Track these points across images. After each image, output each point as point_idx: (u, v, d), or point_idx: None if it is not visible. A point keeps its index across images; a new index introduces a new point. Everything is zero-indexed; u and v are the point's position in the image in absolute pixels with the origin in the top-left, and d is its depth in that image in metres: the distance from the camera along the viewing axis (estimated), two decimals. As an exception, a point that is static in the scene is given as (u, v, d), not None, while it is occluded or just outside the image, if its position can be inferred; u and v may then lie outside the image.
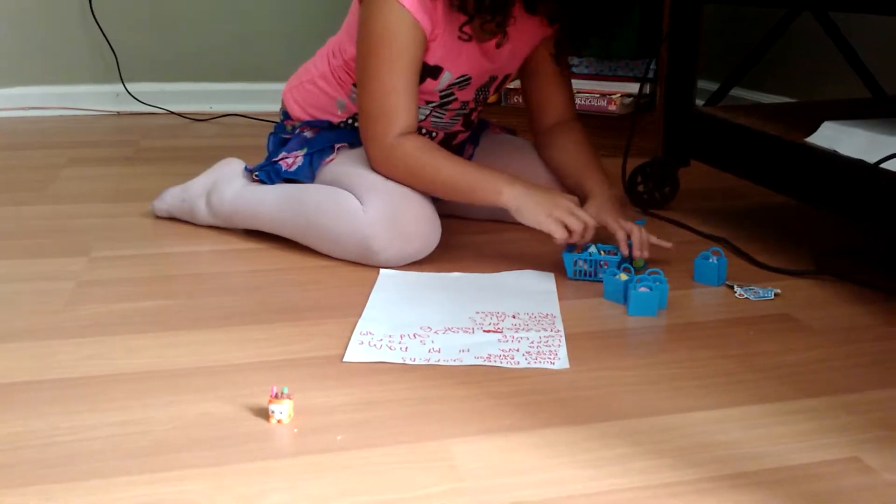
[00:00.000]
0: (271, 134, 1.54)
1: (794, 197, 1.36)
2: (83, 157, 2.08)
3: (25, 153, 2.13)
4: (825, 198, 1.28)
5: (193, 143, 2.27)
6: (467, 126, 1.53)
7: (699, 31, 1.57)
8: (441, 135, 1.50)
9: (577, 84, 2.16)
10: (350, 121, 1.48)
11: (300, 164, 1.43)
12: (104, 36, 2.58)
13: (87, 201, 1.70)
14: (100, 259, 1.37)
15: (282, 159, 1.45)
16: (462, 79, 1.41)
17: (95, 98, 2.63)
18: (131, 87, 2.63)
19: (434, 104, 1.44)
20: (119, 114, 2.63)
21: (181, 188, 1.54)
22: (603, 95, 2.07)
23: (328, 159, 1.42)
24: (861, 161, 1.22)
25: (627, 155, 1.63)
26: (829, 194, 1.27)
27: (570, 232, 1.27)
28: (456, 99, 1.44)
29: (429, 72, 1.36)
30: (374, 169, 1.36)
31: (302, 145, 1.46)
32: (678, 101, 1.59)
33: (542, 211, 1.28)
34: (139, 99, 2.63)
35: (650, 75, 2.10)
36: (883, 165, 1.17)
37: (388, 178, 1.34)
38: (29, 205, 1.67)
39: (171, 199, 1.54)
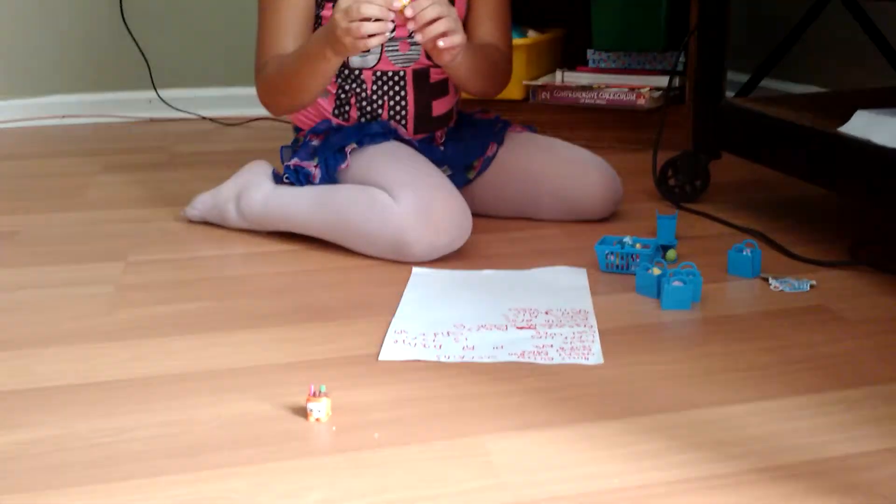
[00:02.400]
0: (283, 147, 1.58)
1: (828, 187, 1.35)
2: (118, 163, 2.11)
3: (61, 161, 2.16)
4: (859, 187, 1.27)
5: (226, 147, 2.30)
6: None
7: (727, 23, 1.56)
8: (409, 74, 1.49)
9: (605, 78, 2.16)
10: (340, 103, 1.50)
11: (320, 175, 1.45)
12: (136, 43, 2.62)
13: (123, 207, 1.73)
14: (137, 263, 1.40)
15: (295, 165, 1.47)
16: None
17: (128, 105, 2.66)
18: (163, 93, 2.67)
19: None
20: (152, 120, 2.66)
21: (211, 194, 1.56)
22: (632, 89, 2.06)
23: (343, 166, 1.44)
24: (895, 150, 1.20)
25: (658, 148, 1.62)
26: (863, 183, 1.26)
27: (378, 35, 1.23)
28: (394, 24, 1.36)
29: None
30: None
31: (312, 155, 1.48)
32: (708, 93, 1.58)
33: (338, 32, 1.25)
34: (172, 105, 2.66)
35: (679, 68, 2.08)
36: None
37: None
38: (66, 211, 1.70)
39: (202, 205, 1.56)
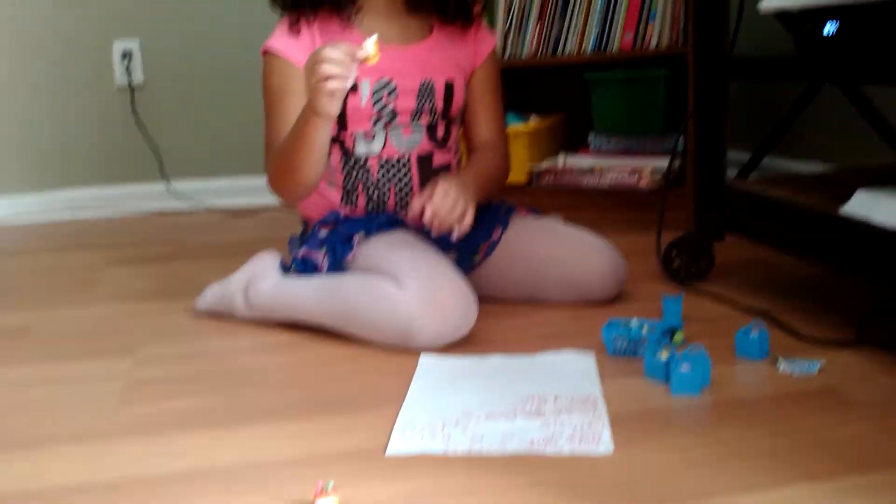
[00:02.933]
0: (292, 237, 1.61)
1: (832, 267, 1.35)
2: (128, 256, 2.14)
3: (72, 255, 2.19)
4: (862, 267, 1.27)
5: (235, 237, 2.33)
6: (440, 143, 1.57)
7: (725, 106, 1.59)
8: (414, 159, 1.54)
9: (606, 161, 2.19)
10: (347, 192, 1.55)
11: (328, 264, 1.48)
12: (147, 136, 2.68)
13: (133, 300, 1.74)
14: (146, 358, 1.40)
15: (303, 255, 1.50)
16: (383, 83, 1.50)
17: (139, 197, 2.71)
18: (174, 184, 2.72)
19: (382, 121, 1.51)
20: (162, 212, 2.71)
21: (220, 285, 1.57)
22: (633, 172, 2.09)
23: (350, 255, 1.46)
24: (896, 229, 1.21)
25: (661, 229, 1.64)
26: (866, 263, 1.26)
27: (337, 77, 1.25)
28: (396, 111, 1.51)
29: None
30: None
31: (320, 245, 1.50)
32: (708, 176, 1.60)
33: (305, 75, 1.30)
34: (182, 196, 2.71)
35: (679, 148, 2.11)
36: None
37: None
38: (77, 307, 1.72)
39: (212, 296, 1.58)
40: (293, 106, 1.45)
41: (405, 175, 1.54)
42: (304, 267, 1.49)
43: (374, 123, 1.52)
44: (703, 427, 1.08)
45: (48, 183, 2.68)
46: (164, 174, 2.71)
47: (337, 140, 1.53)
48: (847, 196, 1.35)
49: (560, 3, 2.13)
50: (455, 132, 1.62)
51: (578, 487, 0.94)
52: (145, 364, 1.38)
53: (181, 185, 2.73)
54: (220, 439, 1.10)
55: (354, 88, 1.48)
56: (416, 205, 1.41)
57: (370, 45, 1.25)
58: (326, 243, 1.50)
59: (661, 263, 1.67)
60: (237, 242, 2.23)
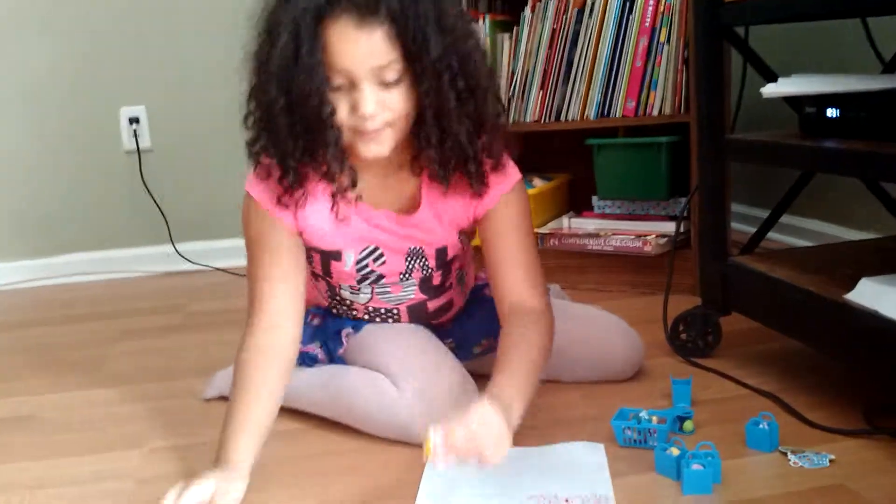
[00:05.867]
0: None
1: (838, 358, 1.35)
2: (135, 327, 2.14)
3: (78, 327, 2.20)
4: (869, 359, 1.27)
5: (240, 302, 2.29)
6: (435, 292, 1.48)
7: (727, 186, 1.60)
8: (403, 309, 1.48)
9: (611, 224, 2.20)
10: (337, 313, 1.53)
11: (326, 356, 1.49)
12: (154, 200, 2.69)
13: (140, 381, 1.74)
14: (156, 451, 1.41)
15: (301, 350, 1.45)
16: (369, 251, 1.38)
17: (145, 260, 2.73)
18: (180, 246, 2.73)
19: (367, 280, 1.42)
20: (168, 273, 2.72)
21: (228, 371, 1.57)
22: (638, 236, 2.09)
23: (341, 350, 1.47)
24: (903, 320, 1.21)
25: (668, 299, 1.63)
26: (873, 356, 1.26)
27: None
28: (382, 274, 1.41)
29: (330, 255, 1.38)
30: None
31: (313, 337, 1.51)
32: (712, 253, 1.60)
33: None
34: (187, 258, 2.72)
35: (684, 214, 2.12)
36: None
37: None
38: (84, 389, 1.72)
39: (220, 381, 1.59)
40: (268, 260, 1.32)
41: (395, 319, 1.49)
42: (303, 360, 1.49)
43: (360, 283, 1.44)
44: (716, 532, 1.07)
45: (56, 248, 2.70)
46: (170, 236, 2.72)
47: (323, 277, 1.46)
48: (852, 278, 1.35)
49: (562, 71, 2.14)
50: (455, 269, 1.48)
51: None
52: (155, 459, 1.38)
53: (188, 246, 2.74)
54: (230, 551, 1.09)
55: (339, 257, 1.39)
56: (454, 437, 1.08)
57: None
58: (318, 337, 1.51)
59: (669, 338, 1.66)
60: (242, 310, 2.22)
